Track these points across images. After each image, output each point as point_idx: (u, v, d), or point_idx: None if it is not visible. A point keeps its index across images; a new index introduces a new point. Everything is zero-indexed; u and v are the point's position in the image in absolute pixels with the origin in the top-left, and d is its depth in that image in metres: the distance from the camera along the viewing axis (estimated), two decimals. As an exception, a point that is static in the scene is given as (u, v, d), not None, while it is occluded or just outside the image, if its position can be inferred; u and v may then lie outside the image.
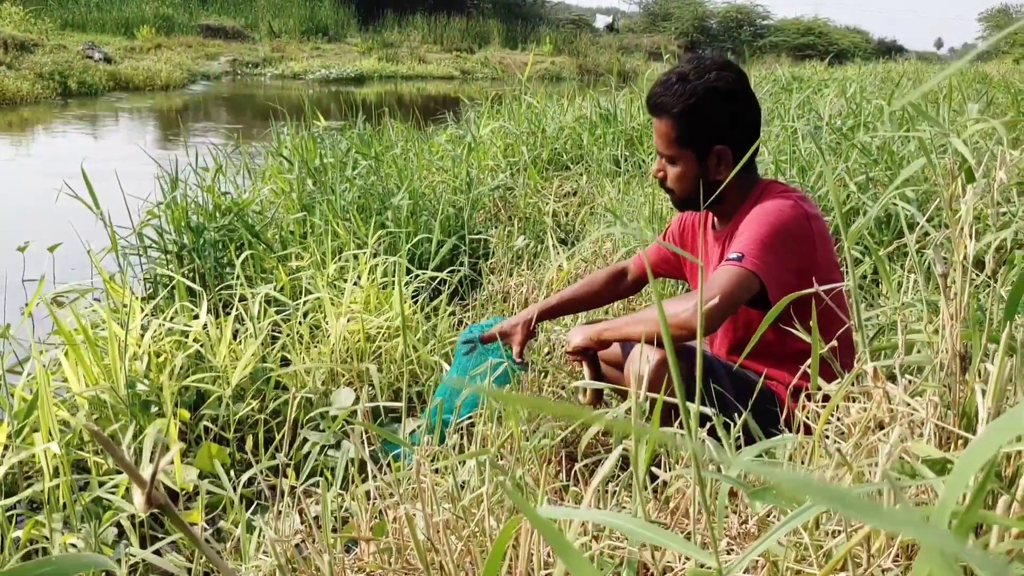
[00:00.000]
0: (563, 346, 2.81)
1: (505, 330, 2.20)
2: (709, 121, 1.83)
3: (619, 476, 1.61)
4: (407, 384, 2.35)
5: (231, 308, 2.87)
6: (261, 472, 2.11)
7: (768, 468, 0.36)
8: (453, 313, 3.30)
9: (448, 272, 3.50)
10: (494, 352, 2.19)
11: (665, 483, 1.40)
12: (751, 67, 10.28)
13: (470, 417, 2.05)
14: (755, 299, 1.75)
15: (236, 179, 4.68)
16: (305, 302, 2.91)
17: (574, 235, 4.28)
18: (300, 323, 2.79)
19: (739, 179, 1.87)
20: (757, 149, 1.91)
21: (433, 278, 3.44)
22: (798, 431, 1.25)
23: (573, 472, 1.66)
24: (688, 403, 1.08)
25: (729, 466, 1.17)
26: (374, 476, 1.48)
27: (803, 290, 1.24)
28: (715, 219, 2.01)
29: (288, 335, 2.69)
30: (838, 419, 1.20)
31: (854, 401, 1.19)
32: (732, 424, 1.37)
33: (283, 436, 2.00)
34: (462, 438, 1.88)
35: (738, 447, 1.36)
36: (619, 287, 2.30)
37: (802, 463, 1.23)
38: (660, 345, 1.74)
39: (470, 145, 5.07)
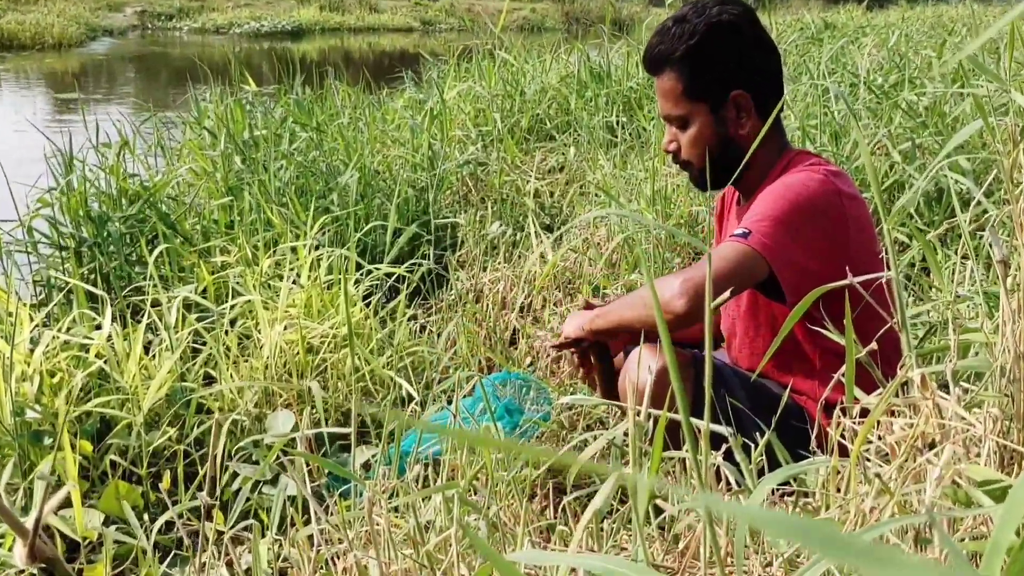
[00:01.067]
0: (547, 351, 2.82)
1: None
2: (718, 61, 1.85)
3: (617, 510, 1.62)
4: (358, 405, 2.35)
5: (141, 315, 2.85)
6: (181, 515, 2.10)
7: (734, 505, 0.36)
8: (414, 317, 3.29)
9: (408, 267, 3.49)
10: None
11: (673, 518, 1.40)
12: (774, 14, 10.33)
13: (434, 444, 2.06)
14: (779, 292, 1.76)
15: (147, 158, 4.64)
16: (233, 307, 2.89)
17: (561, 219, 4.29)
18: (227, 332, 2.77)
19: (765, 145, 1.88)
20: (784, 105, 1.93)
21: (389, 274, 3.43)
22: (832, 453, 1.26)
23: (561, 506, 1.66)
24: (695, 420, 1.08)
25: (749, 496, 1.17)
26: (318, 518, 1.48)
27: (834, 282, 1.25)
28: (739, 194, 2.02)
29: (213, 347, 2.68)
30: (879, 437, 1.21)
31: (898, 416, 1.20)
32: (753, 445, 1.38)
33: (207, 471, 1.99)
34: (426, 469, 1.88)
35: (760, 472, 1.37)
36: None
37: (838, 490, 1.24)
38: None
39: (433, 112, 5.06)
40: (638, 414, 1.19)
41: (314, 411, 2.47)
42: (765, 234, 1.72)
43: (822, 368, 1.85)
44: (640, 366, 1.75)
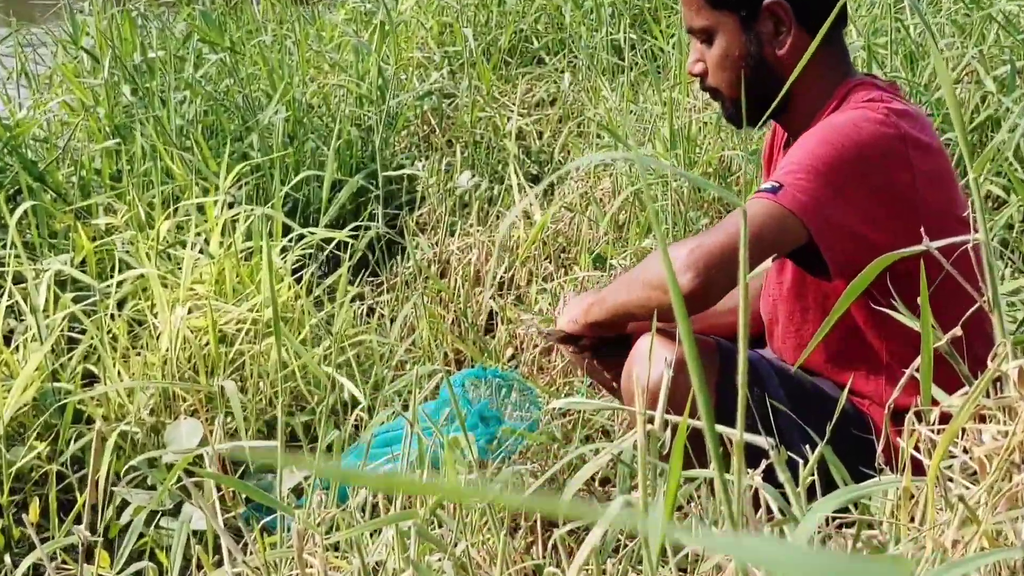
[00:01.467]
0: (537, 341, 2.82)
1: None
2: None
3: (625, 545, 1.62)
4: (284, 410, 2.34)
5: (1, 294, 2.83)
6: (53, 556, 2.09)
7: (774, 547, 0.36)
8: (360, 297, 3.29)
9: (351, 231, 3.48)
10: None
11: (698, 558, 1.40)
12: None
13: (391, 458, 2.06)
14: (822, 267, 1.76)
15: (5, 88, 4.60)
16: (120, 283, 2.88)
17: (551, 167, 4.29)
18: (113, 317, 2.76)
19: (815, 71, 1.86)
20: (844, 15, 1.92)
21: (327, 241, 3.42)
22: (903, 470, 1.27)
23: (551, 542, 1.67)
24: (724, 429, 1.08)
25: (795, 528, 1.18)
26: (233, 558, 1.48)
27: (903, 249, 1.24)
28: (787, 134, 2.02)
29: (95, 336, 2.66)
30: (964, 450, 1.21)
31: (989, 422, 1.21)
32: (800, 461, 1.38)
33: (87, 498, 1.98)
34: (375, 494, 1.88)
35: (811, 494, 1.37)
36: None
37: (911, 519, 1.24)
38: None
39: (383, 26, 5.03)
40: (650, 421, 1.19)
41: (229, 420, 2.46)
42: (800, 188, 1.72)
43: (889, 363, 1.85)
44: (651, 359, 1.75)
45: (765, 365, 1.88)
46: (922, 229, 1.30)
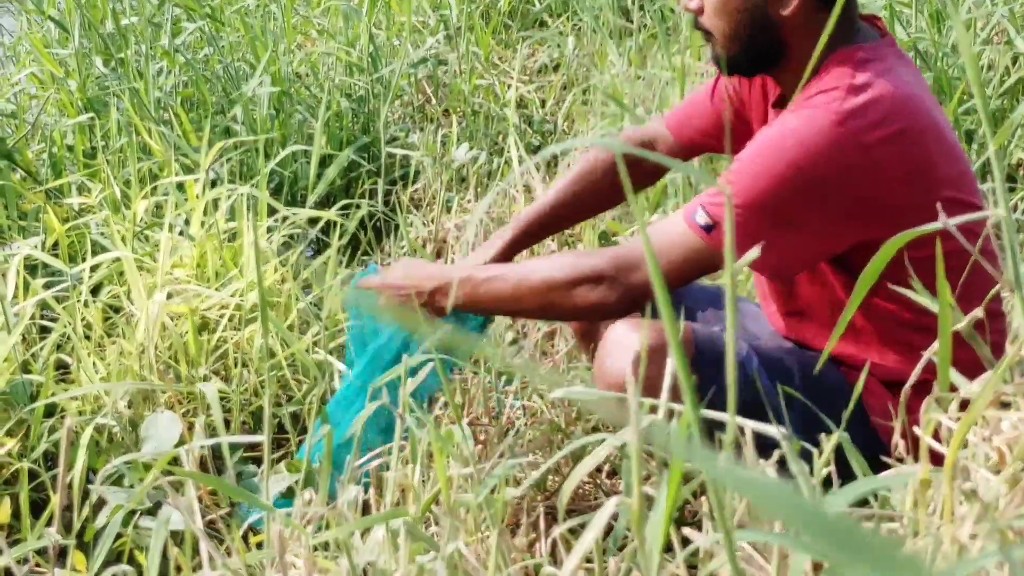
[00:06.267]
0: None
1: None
2: None
3: (630, 539, 1.62)
4: (271, 402, 2.35)
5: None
6: (24, 560, 2.10)
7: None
8: (351, 277, 3.29)
9: (340, 209, 3.48)
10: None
11: (709, 555, 1.41)
12: None
13: (381, 454, 2.06)
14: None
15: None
16: (95, 268, 2.88)
17: (555, 139, 4.28)
18: (87, 303, 2.77)
19: (813, 32, 1.84)
20: None
21: (315, 221, 3.42)
22: (924, 460, 1.27)
23: (552, 539, 1.67)
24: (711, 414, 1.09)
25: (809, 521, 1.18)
26: (212, 560, 1.49)
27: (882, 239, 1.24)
28: (779, 90, 2.01)
29: (68, 324, 2.67)
30: (985, 439, 1.22)
31: (1009, 408, 1.21)
32: (813, 452, 1.39)
33: (60, 497, 1.99)
34: (366, 490, 1.89)
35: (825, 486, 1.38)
36: (637, 171, 2.38)
37: (932, 512, 1.25)
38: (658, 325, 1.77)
39: (375, -10, 5.03)
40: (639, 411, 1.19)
41: (210, 412, 2.47)
42: (739, 226, 1.71)
43: (881, 341, 1.86)
44: (619, 349, 1.79)
45: (745, 350, 1.88)
46: (938, 205, 1.29)
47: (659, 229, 1.80)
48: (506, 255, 2.29)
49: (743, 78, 2.11)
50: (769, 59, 1.89)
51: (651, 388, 1.27)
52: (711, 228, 1.72)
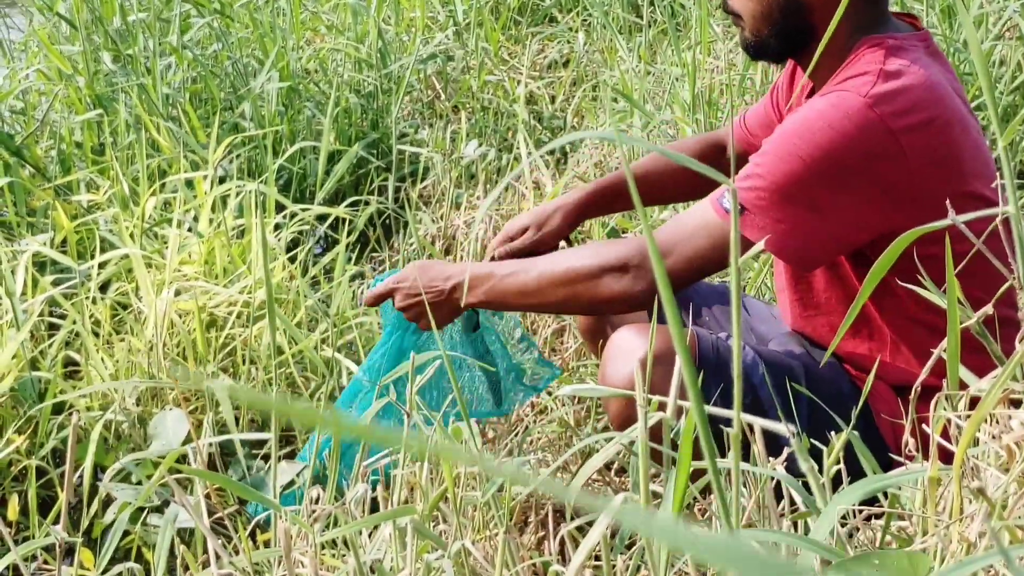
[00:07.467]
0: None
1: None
2: None
3: (639, 538, 1.63)
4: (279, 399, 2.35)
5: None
6: (32, 557, 2.11)
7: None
8: (360, 276, 3.30)
9: (349, 206, 3.49)
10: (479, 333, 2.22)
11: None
12: None
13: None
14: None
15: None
16: (103, 264, 2.89)
17: (565, 134, 4.27)
18: (96, 300, 2.78)
19: (845, 18, 1.85)
20: None
21: (323, 217, 3.42)
22: (932, 459, 1.27)
23: (560, 537, 1.68)
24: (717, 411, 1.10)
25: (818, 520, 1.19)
26: (219, 558, 1.50)
27: (899, 233, 1.24)
28: (810, 82, 2.02)
29: (76, 321, 2.68)
30: (994, 437, 1.22)
31: (1019, 406, 1.21)
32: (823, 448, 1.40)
33: (67, 494, 2.00)
34: (375, 488, 1.90)
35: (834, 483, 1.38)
36: (716, 166, 2.35)
37: (941, 509, 1.25)
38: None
39: (384, -16, 5.04)
40: (661, 410, 1.20)
41: (218, 410, 2.48)
42: (765, 210, 1.72)
43: (895, 341, 1.86)
44: (623, 355, 1.79)
45: (751, 357, 1.88)
46: (948, 202, 1.30)
47: (686, 216, 1.80)
48: (579, 210, 2.29)
49: (792, 77, 2.13)
50: (797, 43, 1.89)
51: (655, 393, 1.29)
52: (739, 213, 1.72)
